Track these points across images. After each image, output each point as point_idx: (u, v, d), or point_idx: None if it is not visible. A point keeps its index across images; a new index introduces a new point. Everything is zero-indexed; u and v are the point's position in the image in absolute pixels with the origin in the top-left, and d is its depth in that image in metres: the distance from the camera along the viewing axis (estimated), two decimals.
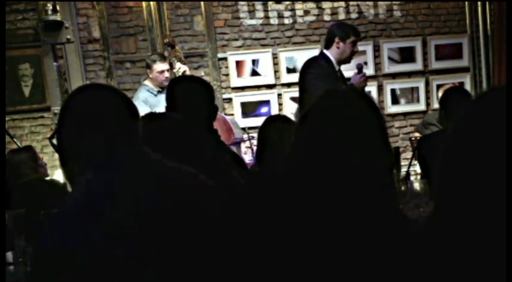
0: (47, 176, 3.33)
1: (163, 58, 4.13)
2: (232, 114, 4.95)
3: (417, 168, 3.32)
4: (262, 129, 2.32)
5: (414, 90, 5.16)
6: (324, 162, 1.07)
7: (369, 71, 5.08)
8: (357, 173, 1.06)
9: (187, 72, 3.99)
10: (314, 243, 1.02)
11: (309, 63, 3.50)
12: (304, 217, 1.05)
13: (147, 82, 4.09)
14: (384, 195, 1.06)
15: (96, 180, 1.12)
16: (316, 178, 1.06)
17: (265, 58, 4.99)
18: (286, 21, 5.02)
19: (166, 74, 3.96)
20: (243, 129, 4.41)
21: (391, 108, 5.15)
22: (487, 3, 5.07)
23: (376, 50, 5.10)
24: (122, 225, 1.05)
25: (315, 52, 4.70)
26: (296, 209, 1.06)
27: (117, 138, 1.19)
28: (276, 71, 4.98)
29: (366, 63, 5.07)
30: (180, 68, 3.96)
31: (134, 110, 1.27)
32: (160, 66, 4.04)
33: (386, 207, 1.04)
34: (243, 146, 4.35)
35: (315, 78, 3.34)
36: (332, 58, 3.49)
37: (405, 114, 5.18)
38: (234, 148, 3.62)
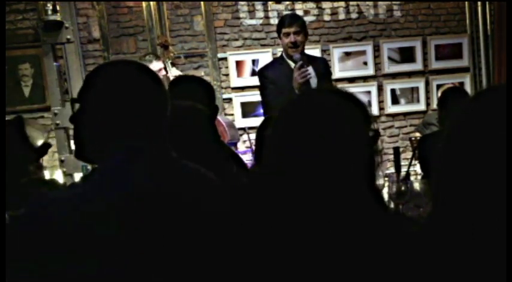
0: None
1: (158, 57, 4.17)
2: (232, 114, 4.95)
3: (417, 168, 3.33)
4: (260, 129, 2.31)
5: (414, 90, 5.16)
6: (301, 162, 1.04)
7: (369, 71, 5.09)
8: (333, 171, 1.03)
9: None
10: (291, 246, 1.00)
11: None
12: (284, 219, 1.03)
13: None
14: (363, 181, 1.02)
15: (116, 172, 1.09)
16: (295, 179, 1.04)
17: (265, 58, 4.97)
18: None
19: (163, 72, 4.00)
20: (243, 129, 4.40)
21: (391, 108, 5.15)
22: (487, 3, 5.07)
23: (376, 50, 5.10)
24: (136, 222, 1.04)
25: (315, 52, 4.72)
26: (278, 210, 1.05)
27: (145, 130, 1.14)
28: None
29: (365, 63, 5.08)
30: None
31: (166, 99, 1.21)
32: (156, 65, 4.07)
33: (366, 195, 1.01)
34: (243, 146, 4.35)
35: (267, 82, 3.32)
36: (284, 55, 3.37)
37: (405, 114, 5.18)
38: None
